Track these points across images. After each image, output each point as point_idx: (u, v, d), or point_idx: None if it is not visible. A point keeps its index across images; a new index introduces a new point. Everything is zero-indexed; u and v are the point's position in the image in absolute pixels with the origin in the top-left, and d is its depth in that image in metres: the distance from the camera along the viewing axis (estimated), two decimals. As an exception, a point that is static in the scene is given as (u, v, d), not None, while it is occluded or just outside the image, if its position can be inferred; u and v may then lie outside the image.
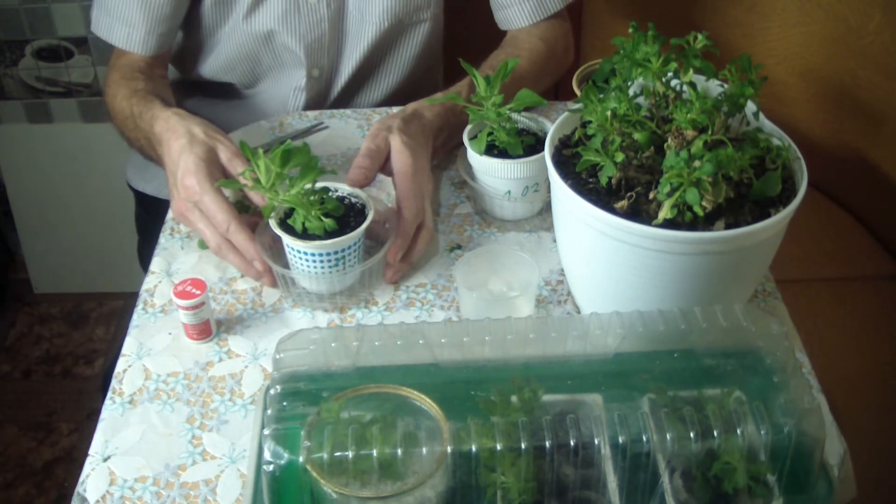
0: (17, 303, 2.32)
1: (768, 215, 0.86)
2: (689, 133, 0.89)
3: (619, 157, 0.89)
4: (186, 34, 1.39)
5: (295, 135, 1.29)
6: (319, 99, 1.41)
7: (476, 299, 0.98)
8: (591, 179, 0.92)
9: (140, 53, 1.29)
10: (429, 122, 1.15)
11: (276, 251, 1.04)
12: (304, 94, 1.38)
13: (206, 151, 1.03)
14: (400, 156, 1.06)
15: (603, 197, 0.89)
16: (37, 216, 2.21)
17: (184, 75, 1.44)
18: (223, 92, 1.44)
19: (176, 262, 1.10)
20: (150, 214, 1.26)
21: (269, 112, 1.38)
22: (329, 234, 0.98)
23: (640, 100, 0.95)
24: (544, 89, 1.09)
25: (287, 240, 0.98)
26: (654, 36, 0.93)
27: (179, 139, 1.05)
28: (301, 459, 0.74)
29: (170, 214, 1.16)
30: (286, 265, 1.02)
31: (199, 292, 0.96)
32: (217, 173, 1.03)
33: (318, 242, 0.97)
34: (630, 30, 0.94)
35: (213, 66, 1.39)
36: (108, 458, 0.89)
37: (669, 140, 0.90)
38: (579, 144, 0.95)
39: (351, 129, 1.31)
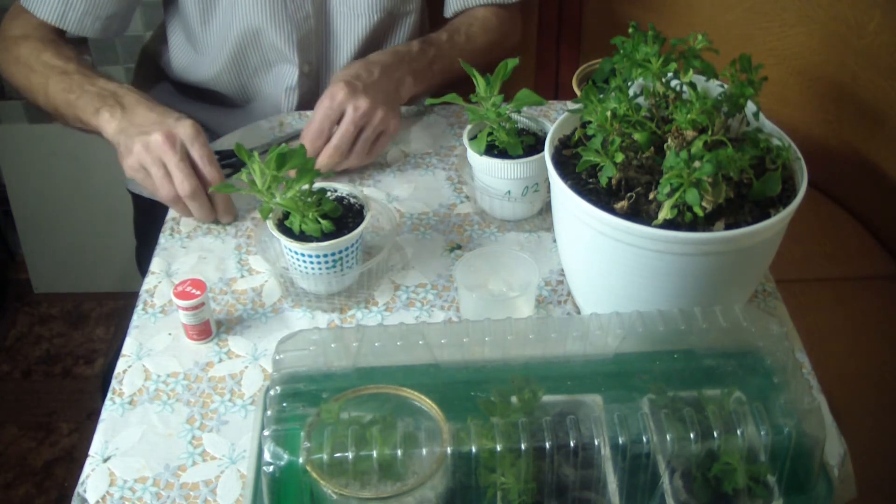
0: (17, 303, 2.32)
1: (768, 215, 0.86)
2: (689, 133, 0.89)
3: (619, 157, 0.89)
4: (174, 41, 1.38)
5: (295, 134, 1.28)
6: (312, 97, 1.40)
7: (476, 299, 0.98)
8: (591, 179, 0.92)
9: (76, 34, 1.27)
10: (374, 61, 1.22)
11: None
12: (296, 93, 1.38)
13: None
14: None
15: (603, 197, 0.89)
16: (37, 216, 2.21)
17: (177, 82, 1.44)
18: (217, 99, 1.43)
19: (176, 263, 1.10)
20: (149, 219, 1.25)
21: (264, 115, 1.38)
22: (326, 236, 0.98)
23: (640, 100, 0.94)
24: (488, 61, 1.11)
25: (284, 241, 0.98)
26: (654, 36, 0.93)
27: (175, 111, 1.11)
28: (301, 460, 0.74)
29: (170, 214, 1.15)
30: (286, 265, 1.02)
31: (198, 293, 0.96)
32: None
33: (314, 244, 0.97)
34: (630, 30, 0.94)
35: (203, 73, 1.38)
36: (108, 458, 0.89)
37: (669, 140, 0.90)
38: (579, 144, 0.95)
39: (351, 129, 1.31)
